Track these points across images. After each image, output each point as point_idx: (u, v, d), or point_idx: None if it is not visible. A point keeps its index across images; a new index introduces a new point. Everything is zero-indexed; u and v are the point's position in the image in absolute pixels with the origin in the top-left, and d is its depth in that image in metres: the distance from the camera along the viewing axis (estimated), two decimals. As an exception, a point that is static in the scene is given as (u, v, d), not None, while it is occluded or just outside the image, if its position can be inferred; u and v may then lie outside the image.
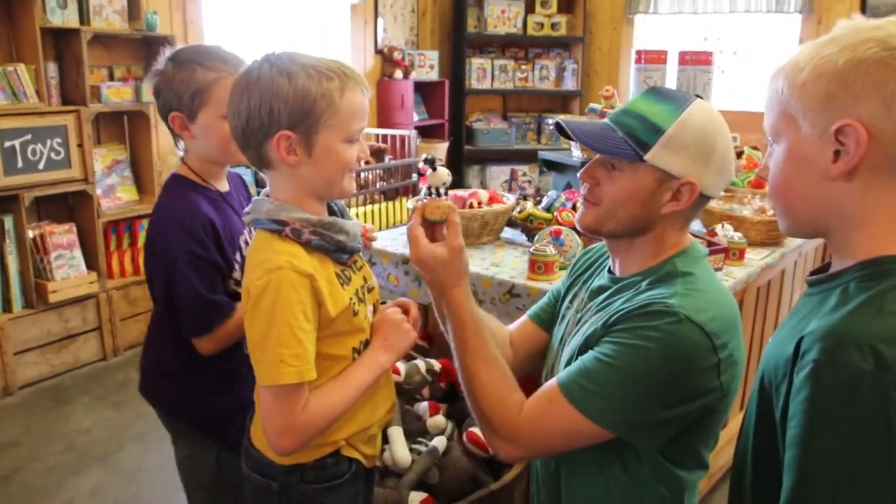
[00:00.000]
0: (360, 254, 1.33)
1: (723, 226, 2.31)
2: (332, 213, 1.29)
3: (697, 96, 1.23)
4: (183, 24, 4.26)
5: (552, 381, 1.21)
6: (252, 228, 1.22)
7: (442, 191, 2.06)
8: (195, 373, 1.56)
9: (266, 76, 1.12)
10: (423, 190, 2.10)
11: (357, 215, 4.57)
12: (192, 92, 1.48)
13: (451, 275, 1.26)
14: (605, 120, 1.27)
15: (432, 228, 1.29)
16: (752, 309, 2.53)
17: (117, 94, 3.72)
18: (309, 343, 1.14)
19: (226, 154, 1.53)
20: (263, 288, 1.12)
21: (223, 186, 1.62)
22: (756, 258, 2.31)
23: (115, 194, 3.93)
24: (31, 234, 3.49)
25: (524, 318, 1.55)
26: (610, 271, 1.35)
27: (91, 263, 3.73)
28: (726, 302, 1.20)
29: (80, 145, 3.56)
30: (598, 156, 1.26)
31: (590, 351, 1.19)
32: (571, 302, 1.42)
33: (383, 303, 1.41)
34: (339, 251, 1.22)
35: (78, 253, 3.63)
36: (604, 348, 1.16)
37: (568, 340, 1.34)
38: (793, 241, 2.53)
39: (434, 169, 1.33)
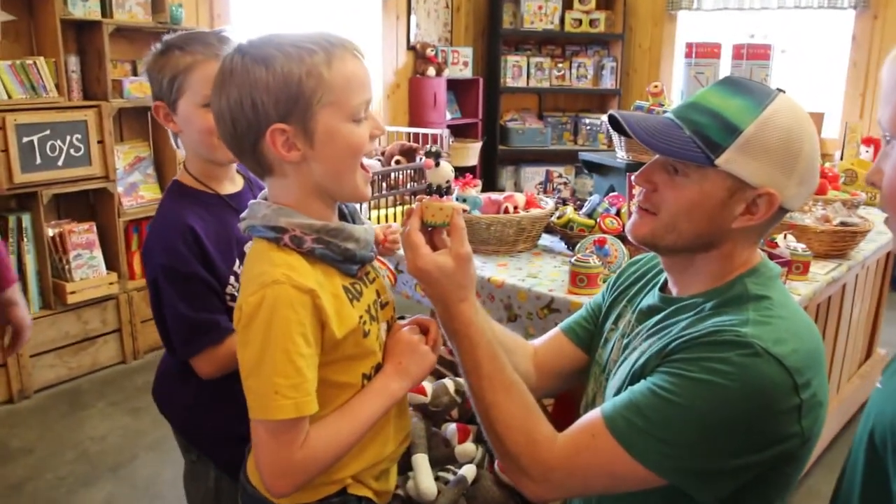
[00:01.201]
0: (376, 263, 1.16)
1: (785, 236, 2.10)
2: (342, 216, 1.12)
3: (780, 90, 1.03)
4: (210, 17, 4.14)
5: (595, 413, 1.02)
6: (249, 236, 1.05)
7: (444, 189, 1.86)
8: (195, 389, 1.41)
9: (240, 68, 0.96)
10: (455, 195, 1.92)
11: (387, 217, 4.42)
12: (170, 78, 1.34)
13: (457, 287, 1.08)
14: (669, 114, 1.08)
15: (430, 234, 1.11)
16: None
17: (140, 90, 3.60)
18: (309, 370, 0.97)
19: (210, 148, 1.37)
20: (257, 306, 0.96)
21: (228, 188, 1.45)
22: (820, 272, 2.09)
23: (138, 193, 3.82)
24: (49, 232, 3.38)
25: (555, 331, 1.37)
26: (662, 289, 1.16)
27: (111, 264, 3.62)
28: (809, 331, 1.01)
29: (101, 142, 3.45)
30: (656, 156, 1.07)
31: (642, 381, 1.01)
32: (616, 323, 1.24)
33: (401, 318, 1.24)
34: (347, 262, 1.05)
35: (98, 253, 3.52)
36: (659, 380, 0.97)
37: (614, 369, 1.16)
38: (860, 252, 2.30)
39: (438, 164, 1.13)
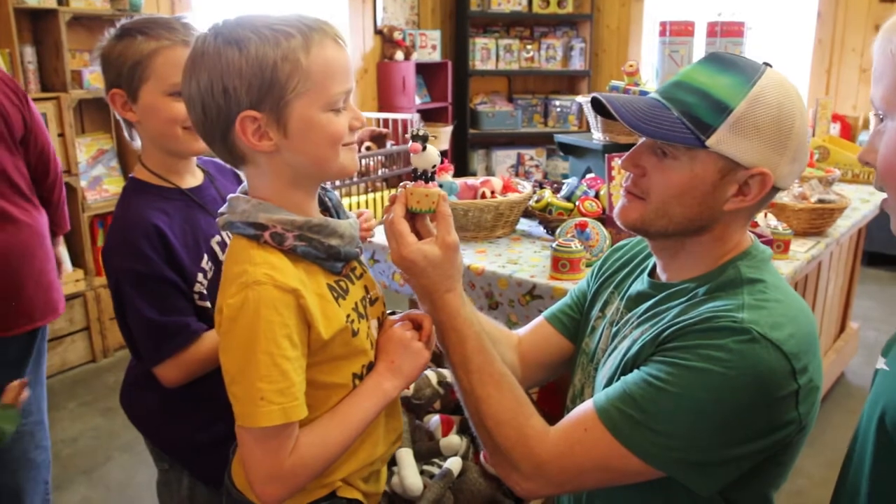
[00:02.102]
0: (360, 258, 1.11)
1: (766, 215, 2.09)
2: (325, 208, 1.07)
3: (766, 64, 1.00)
4: (170, 4, 4.02)
5: (587, 405, 0.99)
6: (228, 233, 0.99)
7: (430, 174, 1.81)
8: (163, 397, 1.35)
9: (212, 50, 0.90)
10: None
11: (358, 205, 4.35)
12: (131, 65, 1.25)
13: (444, 277, 1.04)
14: (654, 95, 1.04)
15: (414, 221, 1.06)
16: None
17: (101, 80, 3.48)
18: (296, 374, 0.93)
19: (173, 140, 1.30)
20: (238, 308, 0.91)
21: (189, 182, 1.38)
22: (800, 250, 2.09)
23: (102, 186, 3.71)
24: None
25: (539, 320, 1.33)
26: (651, 274, 1.13)
27: (77, 260, 3.51)
28: (804, 315, 0.98)
29: (62, 134, 3.34)
30: (643, 138, 1.03)
31: (635, 371, 0.97)
32: (603, 311, 1.20)
33: (392, 313, 1.19)
34: (331, 259, 1.00)
35: (62, 249, 3.41)
36: (654, 369, 0.94)
37: (603, 359, 1.13)
38: (837, 229, 2.30)
39: (425, 148, 1.08)
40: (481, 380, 1.04)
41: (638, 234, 1.12)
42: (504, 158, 6.13)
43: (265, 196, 0.97)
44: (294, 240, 0.95)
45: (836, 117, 4.91)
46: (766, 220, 2.05)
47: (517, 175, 6.01)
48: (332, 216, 1.06)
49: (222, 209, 0.99)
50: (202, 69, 0.91)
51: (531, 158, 6.13)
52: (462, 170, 5.85)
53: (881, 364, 0.83)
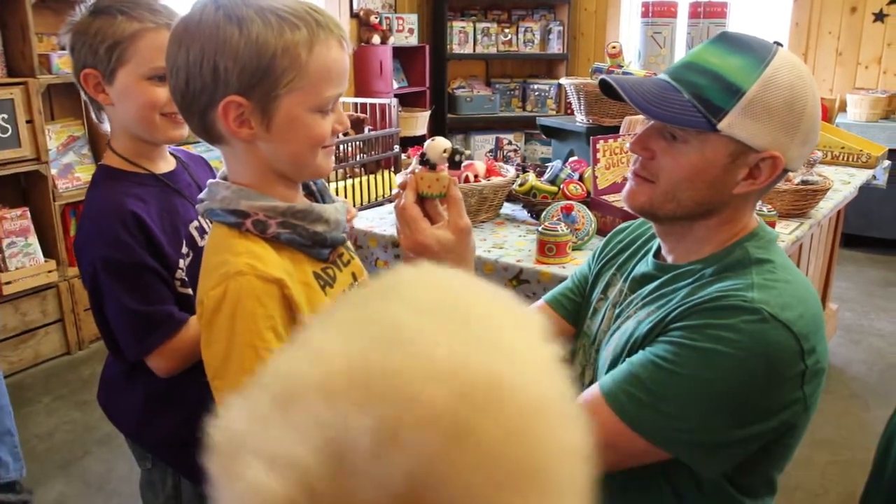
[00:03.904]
0: (348, 242, 1.08)
1: (750, 196, 2.08)
2: (309, 192, 1.03)
3: (777, 43, 0.98)
4: (141, -14, 3.91)
5: (594, 389, 0.98)
6: (208, 220, 0.95)
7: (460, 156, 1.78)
8: (143, 394, 1.31)
9: (210, 22, 0.85)
10: (414, 161, 1.83)
11: (337, 191, 4.30)
12: (110, 45, 1.20)
13: (458, 261, 1.01)
14: (663, 76, 1.02)
15: (423, 206, 1.04)
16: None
17: (70, 65, 3.39)
18: None
19: (149, 125, 1.25)
20: (219, 300, 0.87)
21: (162, 167, 1.33)
22: (785, 231, 2.08)
23: (73, 174, 3.61)
24: (-22, 220, 3.18)
25: (540, 303, 1.31)
26: (656, 256, 1.11)
27: (49, 251, 3.42)
28: (811, 295, 0.97)
29: (30, 121, 3.24)
30: (651, 121, 1.01)
31: (641, 352, 0.96)
32: (605, 292, 1.19)
33: None
34: (316, 246, 0.96)
35: (34, 239, 3.33)
36: (660, 350, 0.93)
37: (605, 340, 1.11)
38: (819, 211, 2.31)
39: (433, 168, 1.08)
40: None
41: (645, 217, 1.10)
42: (482, 143, 6.09)
43: (246, 182, 0.93)
44: (277, 227, 0.91)
45: (812, 100, 4.93)
46: (752, 202, 2.05)
47: (496, 159, 5.98)
48: (317, 200, 1.02)
49: (202, 195, 0.95)
50: (195, 39, 0.86)
51: (509, 143, 6.10)
52: (440, 155, 5.81)
53: None
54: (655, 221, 1.09)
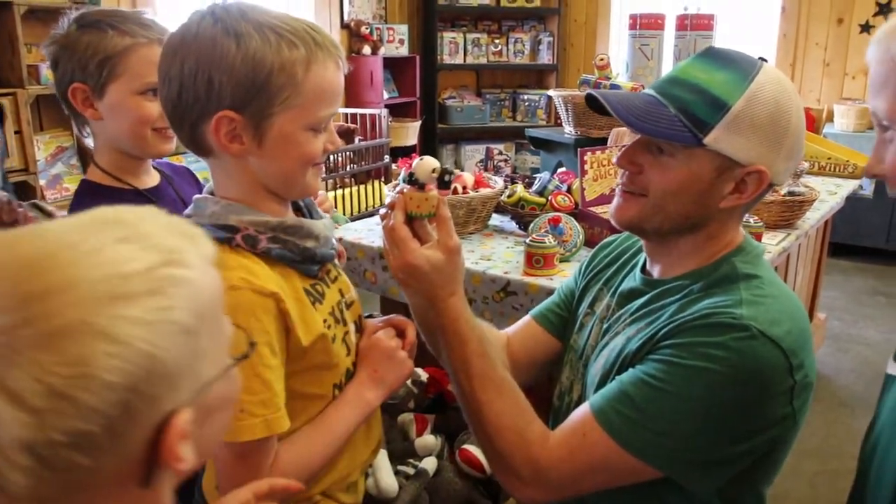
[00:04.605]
0: (335, 260, 1.08)
1: (736, 208, 2.09)
2: (297, 208, 1.03)
3: (762, 59, 0.99)
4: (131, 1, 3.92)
5: (584, 408, 0.98)
6: None
7: (446, 176, 1.79)
8: None
9: (208, 35, 0.84)
10: (402, 175, 1.83)
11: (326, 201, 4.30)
12: (101, 60, 1.19)
13: (447, 281, 1.02)
14: (650, 90, 1.03)
15: (412, 226, 1.04)
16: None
17: (53, 78, 3.38)
18: (277, 383, 0.89)
19: (140, 141, 1.25)
20: None
21: (146, 182, 1.32)
22: (772, 243, 2.09)
23: (62, 185, 3.60)
24: None
25: (527, 318, 1.31)
26: (643, 270, 1.12)
27: (37, 261, 3.41)
28: (799, 310, 0.98)
29: (19, 132, 3.23)
30: (638, 135, 1.02)
31: (631, 370, 0.96)
32: (592, 307, 1.19)
33: (368, 316, 1.16)
34: (307, 262, 0.96)
35: None
36: (650, 368, 0.93)
37: (593, 356, 1.11)
38: (806, 222, 2.32)
39: (422, 188, 1.08)
40: (482, 385, 1.02)
41: (632, 232, 1.11)
42: (473, 153, 6.11)
43: (235, 197, 0.93)
44: (268, 242, 0.91)
45: (800, 110, 4.96)
46: (738, 214, 2.06)
47: (486, 170, 6.00)
48: (304, 216, 1.02)
49: (188, 211, 0.95)
50: (191, 51, 0.85)
51: (500, 153, 6.11)
52: (431, 165, 5.81)
53: (893, 369, 0.81)
54: (642, 236, 1.09)
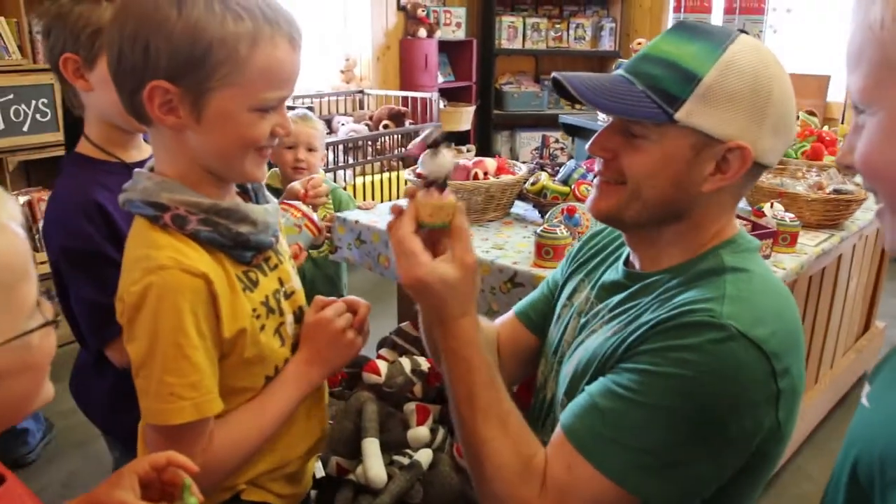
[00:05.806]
0: (285, 244, 1.03)
1: (772, 205, 1.96)
2: (244, 191, 0.99)
3: (741, 30, 0.90)
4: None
5: (557, 431, 0.90)
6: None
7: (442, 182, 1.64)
8: (111, 384, 1.30)
9: None
10: (407, 173, 1.76)
11: (373, 183, 4.28)
12: (93, 31, 1.18)
13: (461, 300, 0.91)
14: (620, 71, 0.95)
15: (425, 236, 0.92)
16: (802, 305, 2.18)
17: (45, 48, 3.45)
18: (208, 364, 0.86)
19: (126, 116, 1.24)
20: (141, 295, 0.84)
21: (134, 156, 1.31)
22: (810, 244, 1.95)
23: None
24: (19, 200, 3.27)
25: (510, 314, 1.25)
26: (626, 263, 1.04)
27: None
28: (789, 310, 0.89)
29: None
30: (612, 119, 0.94)
31: (601, 380, 0.89)
32: (570, 299, 1.11)
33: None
34: (238, 247, 0.92)
35: None
36: (623, 377, 0.86)
37: (568, 352, 1.04)
38: (854, 222, 2.16)
39: (436, 153, 0.93)
40: (486, 419, 0.91)
41: (611, 225, 1.04)
42: (528, 140, 6.00)
43: (172, 173, 0.90)
44: (197, 224, 0.87)
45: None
46: (773, 211, 1.93)
47: (542, 158, 5.88)
48: (250, 199, 0.98)
49: (126, 184, 0.92)
50: (132, 14, 0.82)
51: (556, 141, 5.98)
52: (485, 151, 5.73)
53: (864, 396, 0.71)
54: (622, 229, 1.02)
